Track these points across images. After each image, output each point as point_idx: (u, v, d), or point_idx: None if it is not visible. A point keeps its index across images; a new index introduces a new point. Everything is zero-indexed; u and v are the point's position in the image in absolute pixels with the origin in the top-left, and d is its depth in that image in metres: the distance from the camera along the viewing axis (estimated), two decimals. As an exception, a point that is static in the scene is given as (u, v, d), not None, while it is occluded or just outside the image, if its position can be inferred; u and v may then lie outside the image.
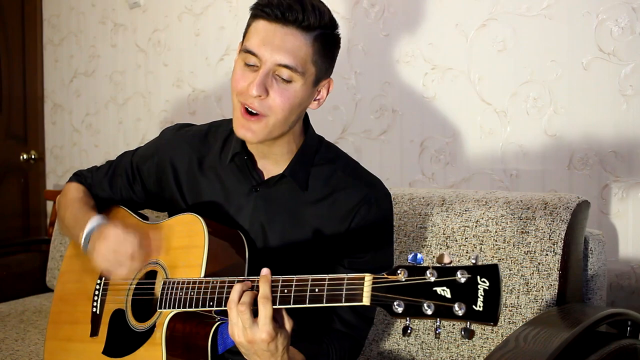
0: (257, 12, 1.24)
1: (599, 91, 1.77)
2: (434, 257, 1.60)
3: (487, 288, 0.89)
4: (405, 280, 0.95)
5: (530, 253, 1.49)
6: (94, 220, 1.36)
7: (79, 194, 1.52)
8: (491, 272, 0.90)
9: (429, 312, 0.92)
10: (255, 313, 1.09)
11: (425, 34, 2.09)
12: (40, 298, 2.58)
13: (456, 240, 1.59)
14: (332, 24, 1.26)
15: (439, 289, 0.92)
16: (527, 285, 1.48)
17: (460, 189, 1.83)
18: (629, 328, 1.40)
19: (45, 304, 2.47)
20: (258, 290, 1.10)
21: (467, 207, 1.61)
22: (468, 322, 0.90)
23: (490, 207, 1.58)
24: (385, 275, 0.97)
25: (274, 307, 1.08)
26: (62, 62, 3.37)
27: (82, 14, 3.25)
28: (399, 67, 2.16)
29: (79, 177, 1.59)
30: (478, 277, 0.90)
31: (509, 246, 1.52)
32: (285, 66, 1.21)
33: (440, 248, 1.61)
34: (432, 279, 0.92)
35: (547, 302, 1.45)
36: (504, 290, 1.51)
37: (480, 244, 1.55)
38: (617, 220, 1.77)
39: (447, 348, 1.58)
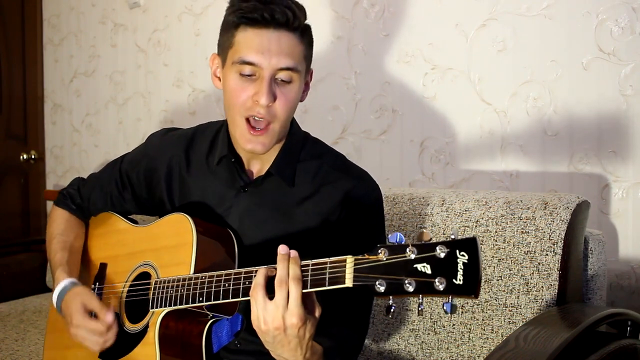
0: (242, 20, 1.21)
1: (599, 91, 1.77)
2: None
3: (466, 261, 0.89)
4: (387, 259, 0.95)
5: (530, 253, 1.49)
6: (61, 285, 1.39)
7: (59, 228, 1.52)
8: (469, 245, 0.90)
9: (411, 289, 0.92)
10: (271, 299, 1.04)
11: (425, 34, 2.09)
12: (40, 298, 2.57)
13: (456, 240, 1.59)
14: (306, 15, 1.25)
15: (419, 266, 0.92)
16: (527, 285, 1.48)
17: (460, 189, 1.83)
18: (629, 328, 1.40)
19: (45, 304, 2.47)
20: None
21: (467, 207, 1.61)
22: (450, 297, 0.90)
23: (490, 207, 1.58)
24: (367, 256, 0.97)
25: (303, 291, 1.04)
26: (62, 62, 3.37)
27: (82, 14, 3.25)
28: (399, 67, 2.16)
29: (65, 199, 1.57)
30: (457, 251, 0.90)
31: (509, 246, 1.52)
32: (287, 68, 1.21)
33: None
34: (413, 256, 0.93)
35: (547, 302, 1.45)
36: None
37: (481, 244, 1.55)
38: (617, 220, 1.77)
39: (447, 348, 1.58)
